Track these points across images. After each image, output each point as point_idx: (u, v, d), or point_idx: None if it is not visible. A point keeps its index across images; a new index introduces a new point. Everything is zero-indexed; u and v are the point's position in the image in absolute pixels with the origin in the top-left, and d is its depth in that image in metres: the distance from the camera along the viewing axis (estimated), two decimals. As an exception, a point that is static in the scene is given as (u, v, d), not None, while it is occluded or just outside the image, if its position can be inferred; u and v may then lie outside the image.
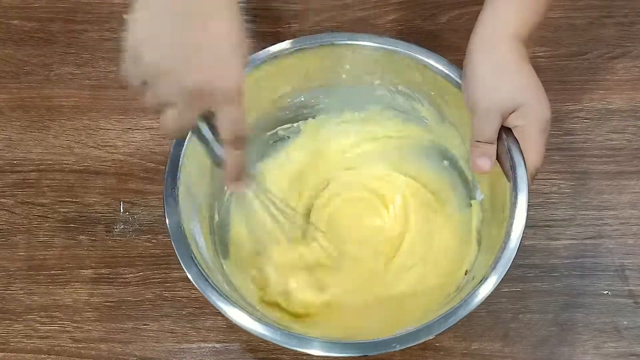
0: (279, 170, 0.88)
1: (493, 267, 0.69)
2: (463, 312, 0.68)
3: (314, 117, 0.89)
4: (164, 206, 0.73)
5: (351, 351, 0.67)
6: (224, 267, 0.79)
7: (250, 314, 0.69)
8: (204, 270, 0.70)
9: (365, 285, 0.82)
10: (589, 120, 0.95)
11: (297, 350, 0.68)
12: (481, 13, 0.75)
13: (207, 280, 0.70)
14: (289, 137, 0.89)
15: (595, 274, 0.86)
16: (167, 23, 0.60)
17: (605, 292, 0.85)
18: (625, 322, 0.83)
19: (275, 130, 0.88)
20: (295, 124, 0.89)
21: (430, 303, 0.77)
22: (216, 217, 0.82)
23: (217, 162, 0.68)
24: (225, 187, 0.71)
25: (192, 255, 0.71)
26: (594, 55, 0.99)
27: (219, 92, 0.61)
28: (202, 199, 0.79)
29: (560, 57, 0.99)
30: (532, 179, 0.74)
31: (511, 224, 0.71)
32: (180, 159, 0.75)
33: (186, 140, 0.75)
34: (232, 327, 0.68)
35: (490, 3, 0.74)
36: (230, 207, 0.85)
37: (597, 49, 0.99)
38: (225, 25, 0.61)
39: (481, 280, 0.69)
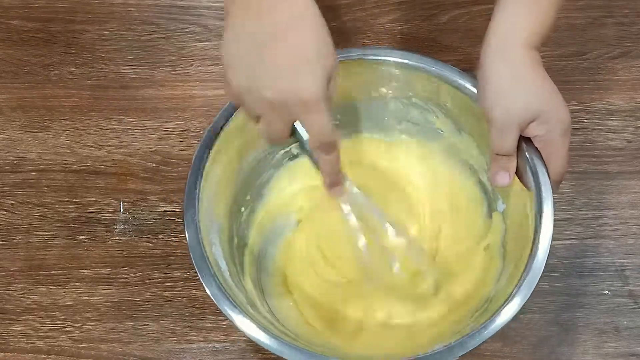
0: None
1: (520, 284, 0.68)
2: (501, 322, 0.66)
3: None
4: (184, 228, 0.72)
5: None
6: (246, 289, 0.78)
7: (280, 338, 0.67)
8: (224, 288, 0.70)
9: (397, 302, 0.81)
10: (589, 120, 0.95)
11: None
12: (492, 21, 0.72)
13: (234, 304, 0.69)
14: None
15: (595, 274, 0.86)
16: (246, 45, 0.63)
17: (605, 292, 0.85)
18: (625, 322, 0.83)
19: (289, 148, 0.86)
20: None
21: (459, 318, 0.76)
22: (235, 239, 0.81)
23: (316, 166, 0.69)
24: (324, 193, 0.71)
25: (214, 275, 0.70)
26: (594, 55, 0.99)
27: (297, 104, 0.62)
28: (221, 221, 0.78)
29: (560, 57, 0.99)
30: (558, 185, 0.74)
31: (537, 239, 0.70)
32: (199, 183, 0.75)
33: (206, 165, 0.75)
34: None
35: (501, 10, 0.72)
36: (248, 228, 0.84)
37: (597, 49, 0.99)
38: (302, 37, 0.62)
39: (510, 294, 0.68)
